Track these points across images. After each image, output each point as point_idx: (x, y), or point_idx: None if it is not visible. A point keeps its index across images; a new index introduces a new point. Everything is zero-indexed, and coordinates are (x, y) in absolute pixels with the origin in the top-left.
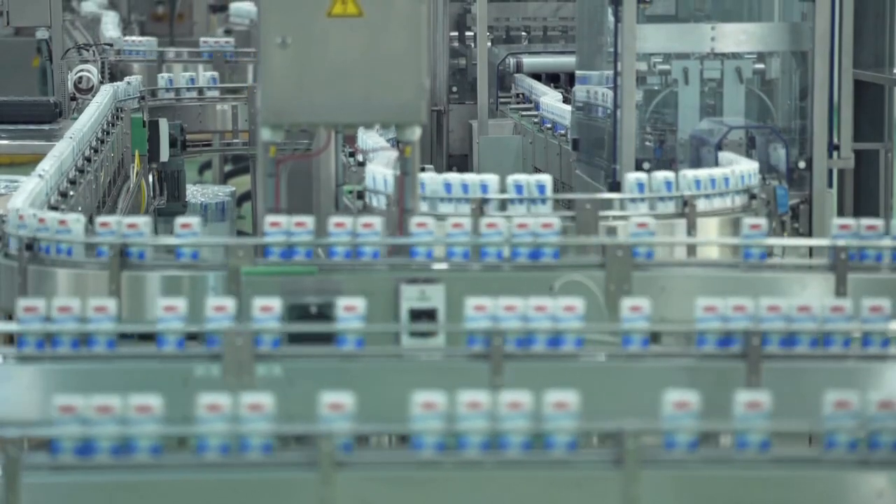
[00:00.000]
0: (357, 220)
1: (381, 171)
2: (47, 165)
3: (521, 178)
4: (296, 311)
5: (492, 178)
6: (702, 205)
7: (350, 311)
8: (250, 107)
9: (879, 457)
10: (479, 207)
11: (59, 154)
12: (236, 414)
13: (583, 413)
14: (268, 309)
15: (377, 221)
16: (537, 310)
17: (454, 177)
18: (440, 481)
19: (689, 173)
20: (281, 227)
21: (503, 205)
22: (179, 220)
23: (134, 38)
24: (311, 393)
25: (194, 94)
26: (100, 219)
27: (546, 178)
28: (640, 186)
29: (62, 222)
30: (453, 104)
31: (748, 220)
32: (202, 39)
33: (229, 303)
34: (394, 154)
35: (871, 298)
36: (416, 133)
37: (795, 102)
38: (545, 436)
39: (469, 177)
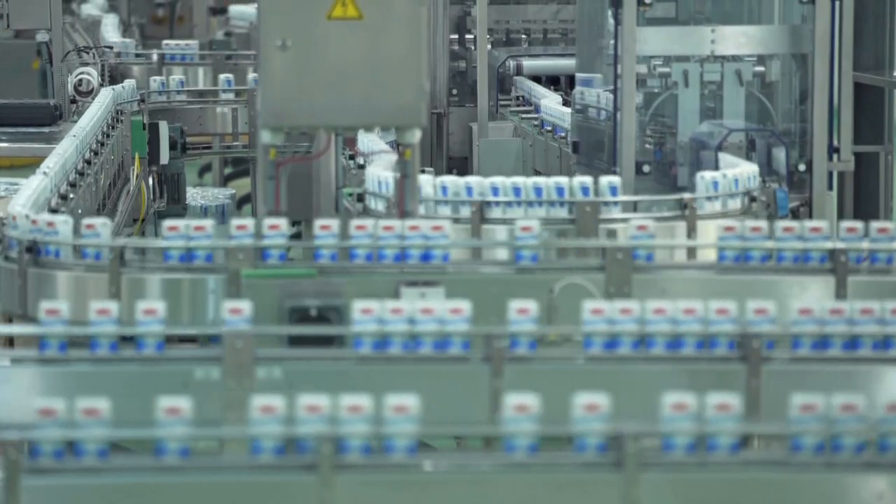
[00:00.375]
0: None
1: (381, 173)
2: (51, 163)
3: (578, 180)
4: (296, 314)
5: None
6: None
7: (236, 313)
8: (250, 109)
9: (881, 460)
10: (479, 210)
11: (63, 152)
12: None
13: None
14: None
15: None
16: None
17: (502, 181)
18: (441, 485)
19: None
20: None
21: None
22: (86, 220)
23: (114, 39)
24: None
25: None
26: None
27: (617, 181)
28: (716, 185)
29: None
30: (453, 107)
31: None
32: (164, 42)
33: (245, 305)
34: (394, 157)
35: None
36: (416, 136)
37: (795, 105)
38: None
39: (475, 180)
